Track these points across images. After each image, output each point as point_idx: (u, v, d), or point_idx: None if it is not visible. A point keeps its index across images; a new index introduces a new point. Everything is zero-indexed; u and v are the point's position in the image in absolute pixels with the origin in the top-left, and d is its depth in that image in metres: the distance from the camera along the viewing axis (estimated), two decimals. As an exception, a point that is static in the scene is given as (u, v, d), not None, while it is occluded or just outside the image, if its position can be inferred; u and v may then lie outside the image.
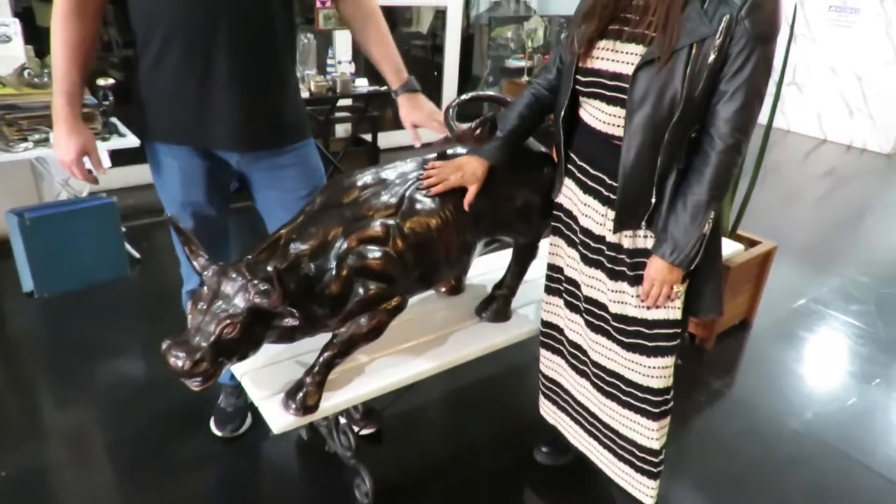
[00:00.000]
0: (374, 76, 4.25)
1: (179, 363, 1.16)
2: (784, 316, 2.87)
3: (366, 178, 1.43)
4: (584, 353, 1.55)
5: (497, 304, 1.77)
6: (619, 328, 1.43)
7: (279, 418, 1.37)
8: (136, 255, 2.98)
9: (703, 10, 1.15)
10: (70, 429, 2.02)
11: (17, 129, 2.49)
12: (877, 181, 5.16)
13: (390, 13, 5.17)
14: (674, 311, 1.38)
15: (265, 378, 1.48)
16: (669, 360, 1.41)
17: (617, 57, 1.25)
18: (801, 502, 1.87)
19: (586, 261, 1.45)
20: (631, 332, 1.41)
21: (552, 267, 1.60)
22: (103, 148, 2.61)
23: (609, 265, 1.40)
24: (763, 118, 1.68)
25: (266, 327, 1.25)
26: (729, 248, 2.42)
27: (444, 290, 1.90)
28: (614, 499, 1.68)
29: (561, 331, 1.62)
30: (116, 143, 2.63)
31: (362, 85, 3.97)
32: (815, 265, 3.43)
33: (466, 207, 1.45)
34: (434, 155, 1.52)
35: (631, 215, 1.32)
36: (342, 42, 4.30)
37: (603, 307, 1.45)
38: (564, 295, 1.56)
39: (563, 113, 1.39)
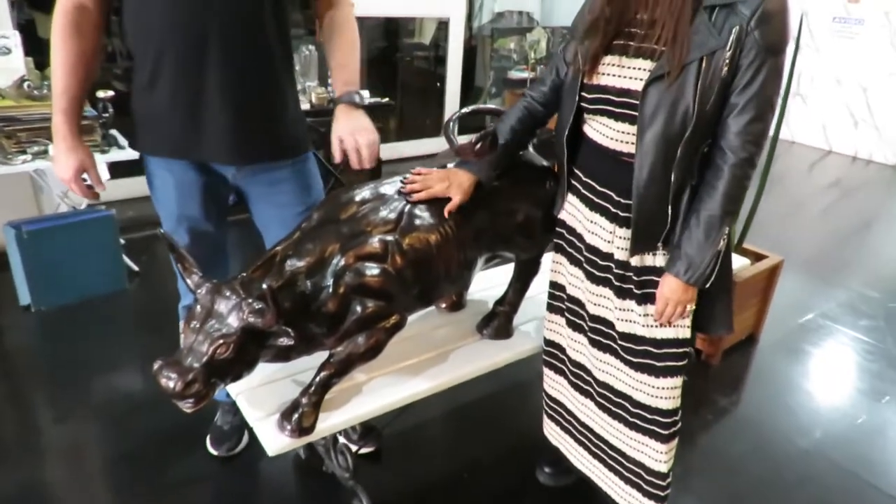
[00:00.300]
0: (376, 88, 4.24)
1: (171, 384, 1.13)
2: (791, 331, 2.83)
3: (364, 193, 1.40)
4: (588, 372, 1.51)
5: (498, 321, 1.73)
6: (627, 347, 1.39)
7: (274, 440, 1.33)
8: (135, 268, 2.96)
9: (712, 21, 1.12)
10: (67, 444, 1.99)
11: (15, 141, 2.48)
12: (883, 192, 5.12)
13: (394, 25, 5.17)
14: (683, 330, 1.34)
15: (260, 397, 1.45)
16: (678, 381, 1.37)
17: (624, 73, 1.22)
18: (811, 525, 1.83)
19: (592, 279, 1.41)
20: (639, 351, 1.37)
21: (554, 285, 1.57)
22: (102, 160, 2.59)
23: (617, 283, 1.36)
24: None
25: (261, 347, 1.22)
26: (735, 262, 2.36)
27: (444, 306, 1.87)
28: (619, 522, 1.64)
29: (563, 350, 1.58)
30: (116, 155, 2.61)
31: (363, 96, 3.95)
32: (822, 278, 3.38)
33: (446, 214, 1.41)
34: (433, 170, 1.49)
35: (648, 236, 1.29)
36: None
37: (610, 325, 1.41)
38: (566, 313, 1.53)
39: (567, 130, 1.36)
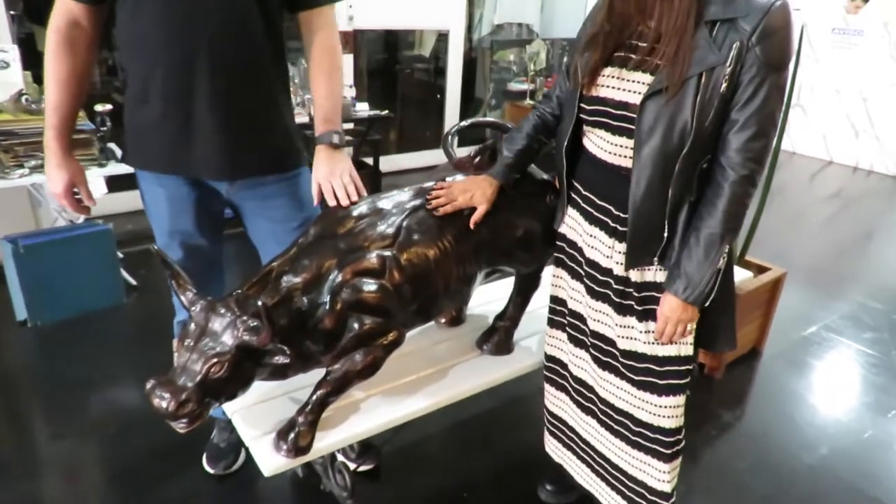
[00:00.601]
0: (375, 100, 4.24)
1: (164, 404, 1.11)
2: (795, 344, 2.80)
3: (361, 208, 1.38)
4: (591, 389, 1.48)
5: (499, 337, 1.71)
6: (629, 365, 1.37)
7: (270, 460, 1.30)
8: (133, 282, 2.94)
9: (712, 37, 1.11)
10: (63, 461, 1.96)
11: (13, 155, 2.47)
12: (884, 203, 5.10)
13: (394, 37, 5.19)
14: (685, 347, 1.32)
15: (257, 416, 1.42)
16: (681, 399, 1.35)
17: (623, 85, 1.20)
18: (818, 543, 1.79)
19: (592, 294, 1.39)
20: (641, 369, 1.35)
21: (555, 299, 1.55)
22: (100, 174, 2.59)
23: (617, 299, 1.34)
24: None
25: (256, 365, 1.20)
26: (738, 275, 2.35)
27: (444, 321, 1.84)
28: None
29: (565, 366, 1.55)
30: (114, 168, 2.60)
31: (363, 109, 3.96)
32: (825, 290, 3.36)
33: (472, 226, 1.41)
34: (431, 183, 1.48)
35: (643, 251, 1.26)
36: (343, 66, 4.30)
37: (611, 342, 1.39)
38: (568, 329, 1.50)
39: (566, 142, 1.35)
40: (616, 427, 1.44)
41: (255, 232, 1.63)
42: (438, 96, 5.18)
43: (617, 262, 1.31)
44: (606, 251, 1.33)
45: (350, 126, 4.23)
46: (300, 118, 3.29)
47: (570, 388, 1.55)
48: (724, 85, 1.11)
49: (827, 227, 4.46)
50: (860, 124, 5.80)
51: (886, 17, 5.48)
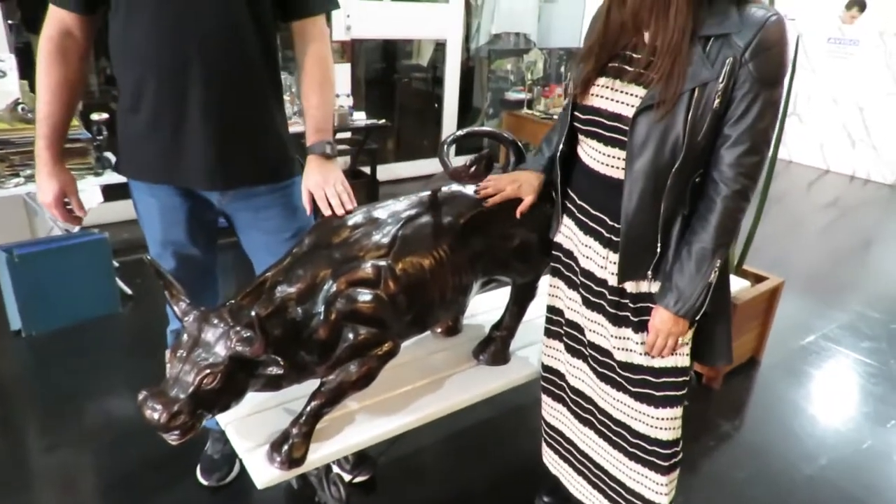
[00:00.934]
0: (372, 109, 4.25)
1: (156, 416, 1.10)
2: (793, 353, 2.79)
3: (356, 217, 1.38)
4: (589, 400, 1.47)
5: (495, 347, 1.70)
6: (626, 376, 1.36)
7: (264, 472, 1.29)
8: (129, 291, 2.92)
9: (706, 53, 1.10)
10: (57, 472, 1.95)
11: (8, 164, 2.46)
12: (881, 212, 5.11)
13: (392, 46, 5.20)
14: (682, 359, 1.31)
15: (250, 427, 1.41)
16: (678, 411, 1.34)
17: (616, 97, 1.20)
18: (817, 555, 1.78)
19: (588, 304, 1.39)
20: (637, 380, 1.34)
21: (552, 309, 1.54)
22: (96, 183, 2.57)
23: (611, 310, 1.33)
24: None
25: (249, 376, 1.18)
26: (735, 284, 2.35)
27: (440, 331, 1.83)
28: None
29: (562, 376, 1.54)
30: (110, 177, 2.59)
31: (360, 118, 3.96)
32: (822, 299, 3.35)
33: (518, 215, 1.46)
34: (427, 193, 1.47)
35: (636, 265, 1.26)
36: (339, 76, 4.31)
37: (607, 354, 1.38)
38: (565, 339, 1.50)
39: (559, 150, 1.34)
40: (614, 438, 1.43)
41: (248, 243, 1.62)
42: (436, 105, 5.19)
43: (611, 273, 1.31)
44: (601, 262, 1.33)
45: (347, 135, 4.23)
46: (297, 127, 3.30)
47: (567, 399, 1.54)
48: (716, 101, 1.10)
49: (824, 235, 4.46)
50: (857, 133, 5.82)
51: (882, 27, 5.51)
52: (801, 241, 4.25)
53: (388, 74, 5.35)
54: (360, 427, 1.43)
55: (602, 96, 1.22)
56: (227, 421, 1.42)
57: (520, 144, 1.72)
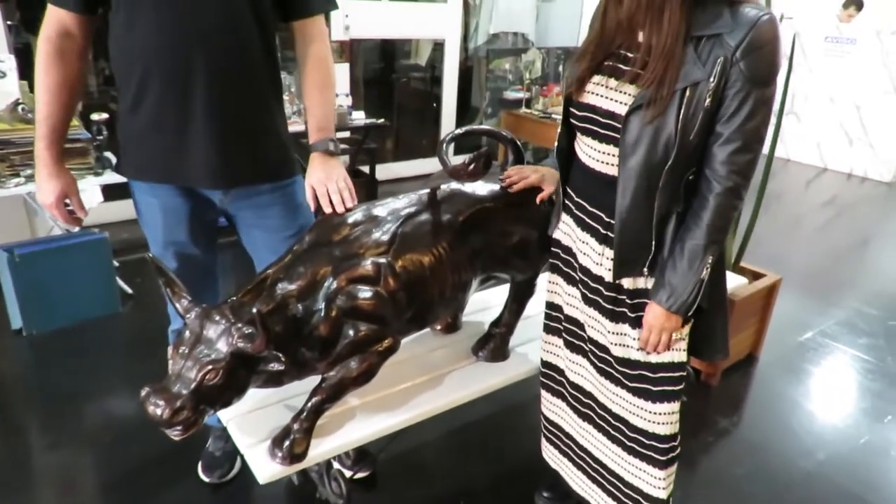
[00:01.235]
0: (371, 109, 4.26)
1: (158, 412, 1.11)
2: (791, 350, 2.80)
3: (356, 215, 1.39)
4: (589, 395, 1.48)
5: (494, 343, 1.71)
6: (623, 372, 1.37)
7: (265, 467, 1.30)
8: (129, 290, 2.93)
9: (697, 53, 1.11)
10: (57, 472, 1.95)
11: (9, 164, 2.47)
12: (879, 210, 5.13)
13: (390, 45, 5.21)
14: (679, 354, 1.32)
15: (252, 424, 1.42)
16: (675, 406, 1.35)
17: (610, 95, 1.21)
18: (815, 550, 1.79)
19: (586, 300, 1.40)
20: (635, 375, 1.35)
21: (551, 305, 1.55)
22: (96, 183, 2.59)
23: (608, 306, 1.35)
24: (764, 148, 1.64)
25: (251, 372, 1.20)
26: (733, 281, 2.37)
27: (439, 328, 1.85)
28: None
29: (562, 372, 1.55)
30: (110, 177, 2.60)
31: (359, 117, 3.97)
32: (820, 296, 3.37)
33: (537, 201, 1.53)
34: (427, 191, 1.48)
35: (631, 262, 1.27)
36: (338, 75, 4.31)
37: (605, 349, 1.39)
38: (564, 334, 1.51)
39: (556, 146, 1.36)
40: (612, 433, 1.44)
41: (250, 241, 1.63)
42: (434, 105, 5.20)
43: (607, 270, 1.32)
44: (597, 258, 1.34)
45: (346, 135, 4.24)
46: (296, 126, 3.30)
47: (566, 395, 1.55)
48: (707, 100, 1.11)
49: (822, 233, 4.48)
50: (854, 132, 5.83)
51: (879, 26, 5.53)
52: (800, 239, 4.27)
53: (387, 74, 5.36)
54: (361, 423, 1.44)
55: (597, 94, 1.23)
56: (229, 417, 1.43)
57: (518, 143, 1.73)
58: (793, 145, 6.25)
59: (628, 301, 1.32)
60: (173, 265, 1.54)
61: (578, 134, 1.32)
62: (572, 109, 1.29)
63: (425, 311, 1.42)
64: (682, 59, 1.11)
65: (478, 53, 5.37)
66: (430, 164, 4.94)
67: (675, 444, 1.39)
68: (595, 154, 1.28)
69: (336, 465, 1.67)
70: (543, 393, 1.64)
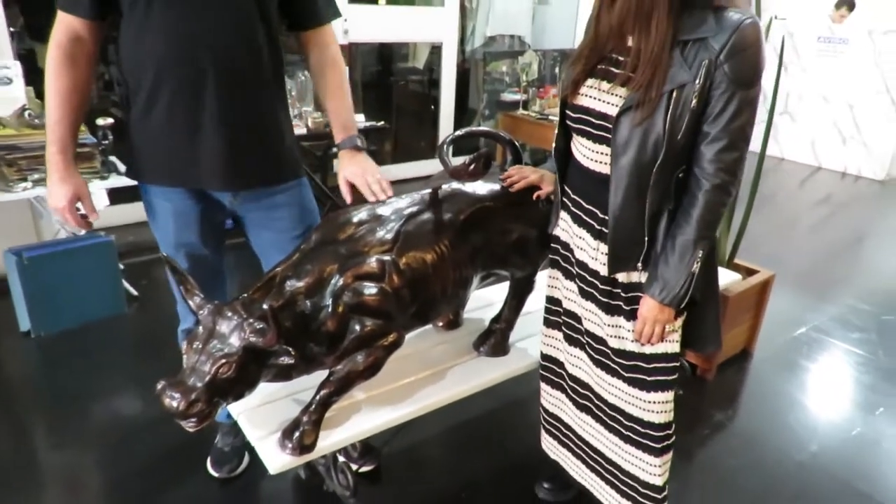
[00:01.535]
0: (370, 112, 4.31)
1: (174, 404, 1.15)
2: (785, 345, 2.86)
3: (361, 214, 1.43)
4: (587, 386, 1.53)
5: (495, 339, 1.76)
6: (619, 363, 1.42)
7: (275, 458, 1.35)
8: (134, 292, 2.98)
9: (683, 56, 1.16)
10: (65, 470, 1.99)
11: (16, 169, 2.51)
12: (872, 207, 5.19)
13: (388, 49, 5.26)
14: (672, 346, 1.37)
15: (261, 417, 1.47)
16: (669, 395, 1.40)
17: (603, 97, 1.27)
18: (808, 537, 1.84)
19: (583, 294, 1.45)
20: (630, 366, 1.41)
21: (551, 300, 1.60)
22: (102, 186, 2.63)
23: (604, 299, 1.40)
24: (756, 146, 1.69)
25: (262, 366, 1.24)
26: (726, 277, 2.42)
27: (441, 324, 1.89)
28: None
29: (561, 364, 1.60)
30: (115, 181, 2.64)
31: (359, 120, 4.01)
32: (814, 293, 3.42)
33: (534, 197, 1.58)
34: (428, 191, 1.53)
35: (625, 257, 1.32)
36: (340, 79, 4.36)
37: (602, 341, 1.44)
38: (564, 328, 1.56)
39: (554, 147, 1.41)
40: (610, 422, 1.49)
41: (258, 241, 1.67)
42: (433, 107, 5.25)
43: (602, 264, 1.37)
44: (592, 253, 1.39)
45: (346, 137, 4.28)
46: (298, 130, 3.35)
47: (566, 387, 1.60)
48: (694, 101, 1.16)
49: (817, 231, 4.54)
50: (847, 131, 5.90)
51: (871, 26, 5.59)
52: (794, 237, 4.33)
53: (385, 77, 5.41)
54: (367, 416, 1.49)
55: (590, 96, 1.29)
56: (239, 411, 1.47)
57: (517, 144, 1.79)
58: (787, 144, 6.31)
59: (623, 294, 1.37)
60: (184, 265, 1.58)
61: (574, 134, 1.38)
62: (568, 111, 1.35)
63: (428, 307, 1.47)
64: (670, 62, 1.16)
65: (475, 56, 5.42)
66: (428, 166, 4.99)
67: (670, 432, 1.44)
68: (589, 154, 1.33)
69: (342, 459, 1.72)
70: (543, 385, 1.69)
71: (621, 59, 1.25)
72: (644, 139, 1.20)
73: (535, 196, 1.58)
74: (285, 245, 1.53)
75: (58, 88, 1.41)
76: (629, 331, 1.38)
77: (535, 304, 1.75)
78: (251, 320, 1.19)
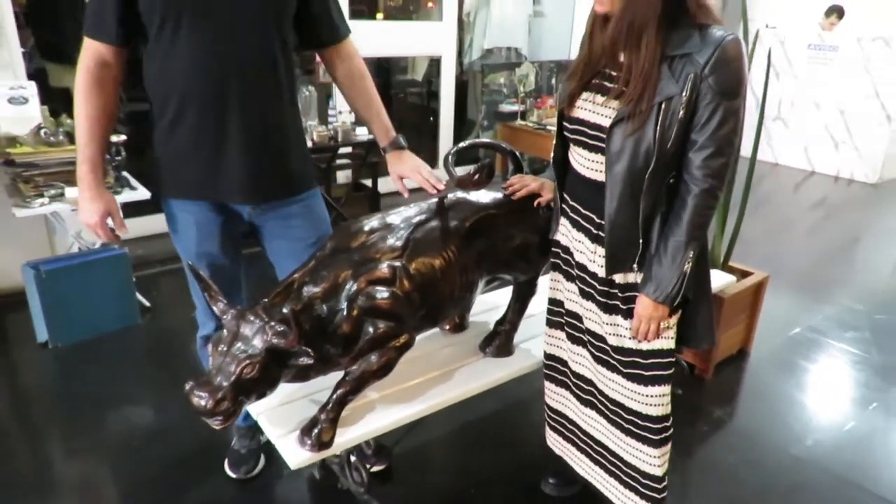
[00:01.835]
0: (373, 124, 4.38)
1: (202, 402, 1.23)
2: (781, 344, 2.93)
3: (372, 223, 1.52)
4: (590, 382, 1.61)
5: (499, 340, 1.84)
6: (618, 359, 1.50)
7: (295, 455, 1.42)
8: (147, 303, 3.05)
9: (671, 70, 1.25)
10: (82, 477, 2.05)
11: (33, 185, 2.59)
12: (865, 210, 5.28)
13: (387, 62, 5.36)
14: (667, 342, 1.45)
15: (280, 416, 1.54)
16: (666, 389, 1.48)
17: (597, 109, 1.36)
18: (804, 527, 1.90)
19: (583, 294, 1.53)
20: (628, 362, 1.49)
21: (553, 301, 1.68)
22: (116, 201, 2.70)
23: (602, 299, 1.48)
24: (746, 151, 1.77)
25: (283, 367, 1.32)
26: (721, 279, 2.50)
27: (448, 328, 1.97)
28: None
29: (565, 363, 1.68)
30: (128, 196, 2.73)
31: (363, 133, 4.10)
32: (809, 294, 3.50)
33: (535, 204, 1.67)
34: (435, 199, 1.62)
35: (622, 259, 1.41)
36: (340, 93, 4.45)
37: (602, 339, 1.52)
38: (566, 328, 1.64)
39: (552, 156, 1.50)
40: (611, 416, 1.57)
41: (274, 250, 1.75)
42: (432, 119, 5.33)
43: (599, 266, 1.46)
44: (590, 255, 1.48)
45: (350, 150, 4.38)
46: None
47: (570, 384, 1.68)
48: (681, 112, 1.25)
49: (811, 234, 4.62)
50: (839, 135, 6.00)
51: (859, 34, 5.71)
52: (789, 240, 4.41)
53: (385, 90, 5.51)
54: (380, 414, 1.57)
55: (585, 109, 1.38)
56: (259, 411, 1.55)
57: (517, 154, 1.87)
58: (780, 149, 6.41)
59: (620, 294, 1.45)
60: (205, 275, 1.66)
61: (571, 145, 1.47)
62: (565, 123, 1.44)
63: (437, 310, 1.55)
64: (658, 76, 1.25)
65: (473, 68, 5.52)
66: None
67: (668, 424, 1.52)
68: (585, 162, 1.42)
69: (354, 459, 1.79)
70: (547, 384, 1.77)
71: (614, 74, 1.34)
72: (636, 148, 1.28)
73: (535, 203, 1.66)
74: (300, 253, 1.61)
75: (87, 112, 1.49)
76: (626, 328, 1.46)
77: (537, 307, 1.83)
78: (273, 323, 1.27)
